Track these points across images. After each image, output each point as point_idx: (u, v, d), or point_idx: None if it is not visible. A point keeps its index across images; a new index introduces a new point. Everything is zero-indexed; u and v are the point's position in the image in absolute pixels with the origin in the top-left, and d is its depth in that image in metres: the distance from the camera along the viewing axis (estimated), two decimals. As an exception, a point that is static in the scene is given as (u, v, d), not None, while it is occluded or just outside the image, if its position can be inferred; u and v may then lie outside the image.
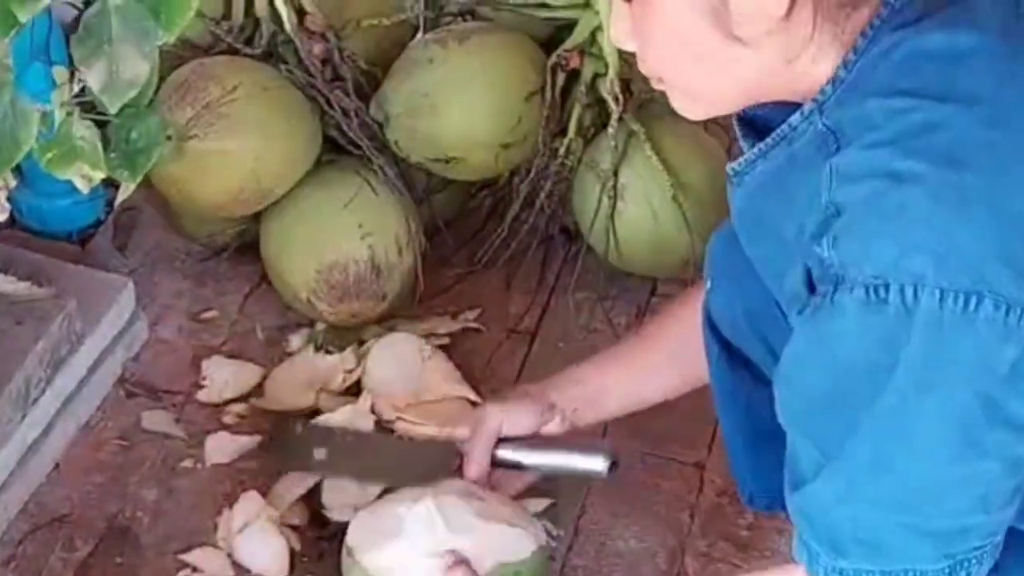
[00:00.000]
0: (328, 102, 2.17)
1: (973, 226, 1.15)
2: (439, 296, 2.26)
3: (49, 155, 1.57)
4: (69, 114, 1.58)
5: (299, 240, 2.14)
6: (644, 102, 2.20)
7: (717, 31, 1.22)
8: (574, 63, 2.20)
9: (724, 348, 1.70)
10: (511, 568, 1.66)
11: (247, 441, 2.05)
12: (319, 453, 1.91)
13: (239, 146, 2.09)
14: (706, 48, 1.24)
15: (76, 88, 1.60)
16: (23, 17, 1.39)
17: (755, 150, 1.31)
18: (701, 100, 1.33)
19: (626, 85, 2.18)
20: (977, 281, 1.14)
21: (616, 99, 2.16)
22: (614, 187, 2.15)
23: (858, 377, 1.20)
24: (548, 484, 1.89)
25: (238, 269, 2.29)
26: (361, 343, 2.15)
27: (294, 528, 1.94)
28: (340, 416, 2.03)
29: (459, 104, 2.17)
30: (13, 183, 1.69)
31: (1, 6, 1.40)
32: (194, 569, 1.90)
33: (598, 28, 2.17)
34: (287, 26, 2.17)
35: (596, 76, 2.20)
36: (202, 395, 2.11)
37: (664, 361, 1.78)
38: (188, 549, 1.93)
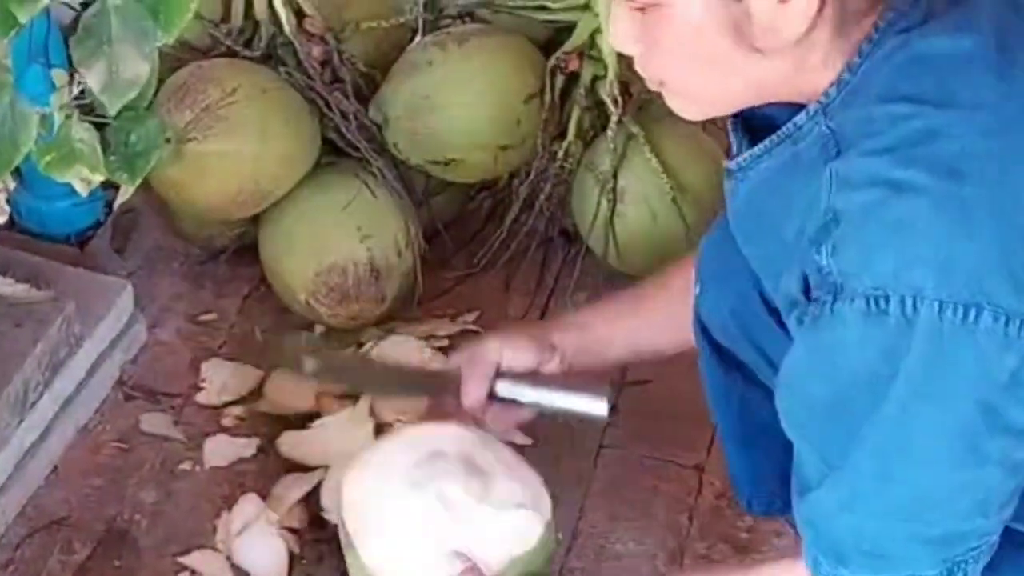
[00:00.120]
0: (327, 104, 2.17)
1: (973, 238, 1.15)
2: (438, 298, 2.25)
3: (48, 158, 1.57)
4: (68, 117, 1.58)
5: (298, 242, 2.14)
6: (643, 104, 2.20)
7: (737, 42, 1.21)
8: (573, 65, 2.21)
9: (715, 350, 1.70)
10: (521, 562, 1.62)
11: (246, 444, 2.05)
12: (310, 364, 1.88)
13: (238, 148, 2.08)
14: (721, 57, 1.24)
15: (75, 90, 1.60)
16: (23, 18, 1.39)
17: (760, 147, 1.31)
18: (703, 102, 1.33)
19: (625, 87, 2.18)
20: (976, 293, 1.14)
21: (615, 101, 2.16)
22: (613, 189, 2.15)
23: (859, 387, 1.21)
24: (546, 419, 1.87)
25: (237, 271, 2.29)
26: (360, 345, 2.15)
27: (293, 531, 1.94)
28: (339, 418, 2.03)
29: (458, 106, 2.17)
30: (12, 185, 1.68)
31: (1, 7, 1.39)
32: (193, 572, 1.90)
33: (597, 30, 2.18)
34: (286, 28, 2.17)
35: (595, 78, 2.20)
36: (201, 397, 2.11)
37: (664, 319, 1.75)
38: (187, 552, 1.92)
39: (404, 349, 2.11)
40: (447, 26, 2.31)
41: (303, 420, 2.06)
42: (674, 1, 1.21)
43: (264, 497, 1.96)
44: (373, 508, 1.63)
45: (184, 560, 1.91)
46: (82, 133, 1.59)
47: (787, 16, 1.18)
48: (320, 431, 2.03)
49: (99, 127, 1.61)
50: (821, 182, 1.21)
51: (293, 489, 1.97)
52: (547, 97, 2.19)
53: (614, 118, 2.16)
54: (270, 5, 2.18)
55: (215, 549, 1.92)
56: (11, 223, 2.18)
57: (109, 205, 2.25)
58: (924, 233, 1.15)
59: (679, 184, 2.14)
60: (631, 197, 2.15)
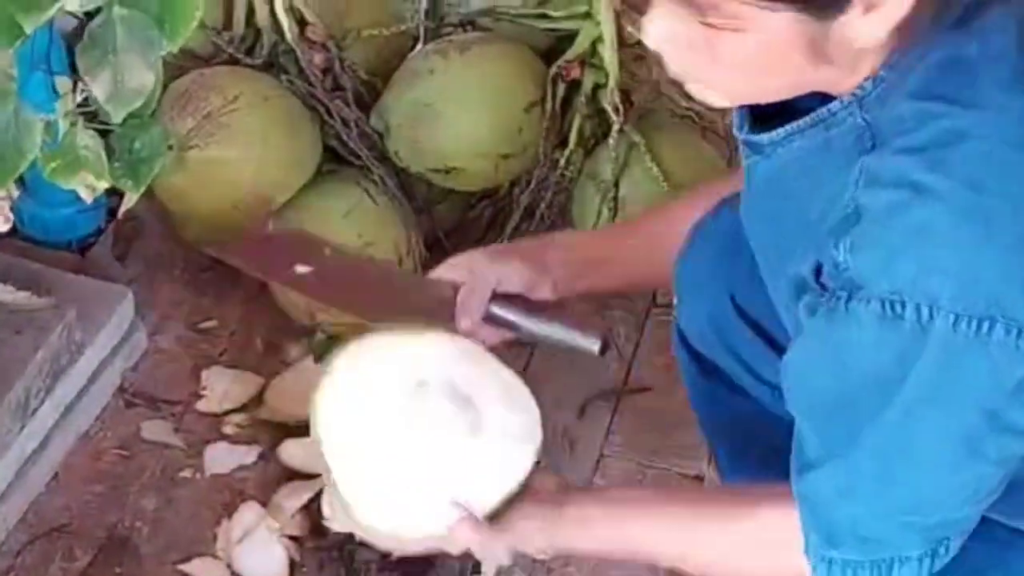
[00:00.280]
0: (328, 112, 2.18)
1: (994, 251, 1.15)
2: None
3: (53, 165, 1.57)
4: (73, 124, 1.58)
5: (299, 250, 2.14)
6: (645, 113, 2.21)
7: (806, 57, 1.20)
8: (574, 74, 2.21)
9: (695, 359, 1.71)
10: (512, 496, 1.50)
11: (246, 451, 2.05)
12: (301, 268, 1.70)
13: (240, 156, 2.09)
14: (780, 68, 1.23)
15: (79, 98, 1.60)
16: (28, 27, 1.39)
17: (793, 126, 1.29)
18: (736, 97, 1.31)
19: (626, 96, 2.18)
20: (992, 306, 1.15)
21: (616, 110, 2.16)
22: (614, 198, 2.16)
23: (867, 388, 1.21)
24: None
25: (238, 279, 2.28)
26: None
27: (294, 539, 1.94)
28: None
29: (459, 115, 2.17)
30: (16, 193, 1.68)
31: (5, 16, 1.40)
32: (193, 579, 1.90)
33: (599, 39, 2.18)
34: (288, 36, 2.17)
35: (597, 87, 2.21)
36: (201, 405, 2.11)
37: (661, 247, 1.69)
38: (187, 559, 1.92)
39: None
40: (448, 34, 2.31)
41: (304, 428, 2.03)
42: (756, 25, 1.17)
43: (264, 505, 1.96)
44: (357, 450, 1.50)
45: (184, 567, 1.91)
46: (87, 140, 1.59)
47: (865, 29, 1.17)
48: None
49: (103, 134, 1.61)
50: (850, 173, 1.21)
51: (293, 497, 1.97)
52: (548, 105, 2.19)
53: (615, 126, 2.16)
54: (272, 13, 2.18)
55: (215, 557, 1.92)
56: (13, 230, 2.18)
57: (111, 212, 2.25)
58: (945, 242, 1.15)
59: (680, 193, 2.14)
60: (632, 205, 2.15)
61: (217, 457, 2.04)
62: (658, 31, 1.24)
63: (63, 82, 1.62)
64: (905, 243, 1.16)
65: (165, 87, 1.99)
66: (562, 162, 2.22)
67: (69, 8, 1.44)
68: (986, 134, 1.17)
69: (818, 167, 1.27)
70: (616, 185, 2.16)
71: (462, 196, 2.32)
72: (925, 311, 1.15)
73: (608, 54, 2.17)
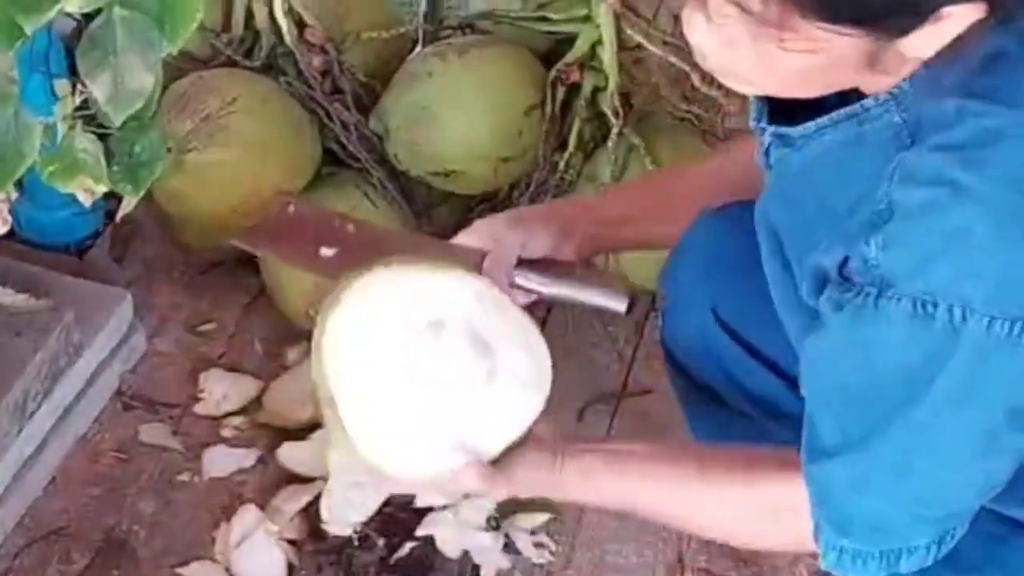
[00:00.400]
0: (327, 115, 2.18)
1: None
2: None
3: (51, 168, 1.57)
4: (72, 127, 1.58)
5: (298, 253, 2.13)
6: (644, 116, 2.21)
7: (861, 70, 1.20)
8: (574, 77, 2.21)
9: (686, 379, 1.71)
10: (515, 444, 1.47)
11: (245, 454, 2.05)
12: (326, 251, 1.66)
13: (238, 158, 2.09)
14: (831, 78, 1.23)
15: (78, 101, 1.60)
16: (28, 29, 1.39)
17: (826, 119, 1.28)
18: (769, 91, 1.30)
19: (626, 99, 2.18)
20: None
21: (616, 113, 2.16)
22: (614, 201, 2.15)
23: (893, 384, 1.22)
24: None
25: (236, 281, 2.29)
26: (359, 356, 2.15)
27: (292, 542, 1.94)
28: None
29: (459, 117, 2.17)
30: (15, 195, 1.68)
31: (5, 18, 1.39)
32: (191, 583, 1.90)
33: (598, 42, 2.18)
34: (287, 38, 2.17)
35: (596, 90, 2.21)
36: (200, 408, 2.11)
37: (678, 205, 1.68)
38: (185, 563, 1.92)
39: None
40: (447, 37, 2.31)
41: (302, 431, 2.06)
42: (825, 47, 1.17)
43: (263, 508, 1.96)
44: (366, 383, 1.43)
45: (182, 571, 1.91)
46: (86, 143, 1.58)
47: (926, 44, 1.16)
48: (320, 442, 2.03)
49: (102, 137, 1.61)
50: (885, 169, 1.20)
51: (292, 500, 1.97)
52: (548, 108, 2.19)
53: (615, 129, 2.16)
54: (271, 15, 2.18)
55: (214, 560, 1.92)
56: (11, 233, 2.18)
57: (109, 215, 2.25)
58: (981, 245, 1.15)
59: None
60: (631, 208, 2.15)
61: (215, 460, 2.04)
62: (720, 38, 1.21)
63: (62, 85, 1.62)
64: (941, 245, 1.16)
65: (164, 89, 1.99)
66: (562, 165, 2.21)
67: (68, 10, 1.44)
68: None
69: (848, 161, 1.26)
70: (616, 188, 2.16)
71: (462, 199, 2.32)
72: (958, 312, 1.16)
73: (608, 57, 2.17)
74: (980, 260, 1.15)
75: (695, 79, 2.18)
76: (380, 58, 2.28)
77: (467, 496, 1.93)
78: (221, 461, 2.04)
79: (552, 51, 2.26)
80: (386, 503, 1.95)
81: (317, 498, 1.96)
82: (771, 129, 1.34)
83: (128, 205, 1.68)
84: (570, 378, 2.08)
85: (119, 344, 2.12)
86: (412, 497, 1.97)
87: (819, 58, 1.18)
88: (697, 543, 1.96)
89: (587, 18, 2.19)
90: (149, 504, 1.99)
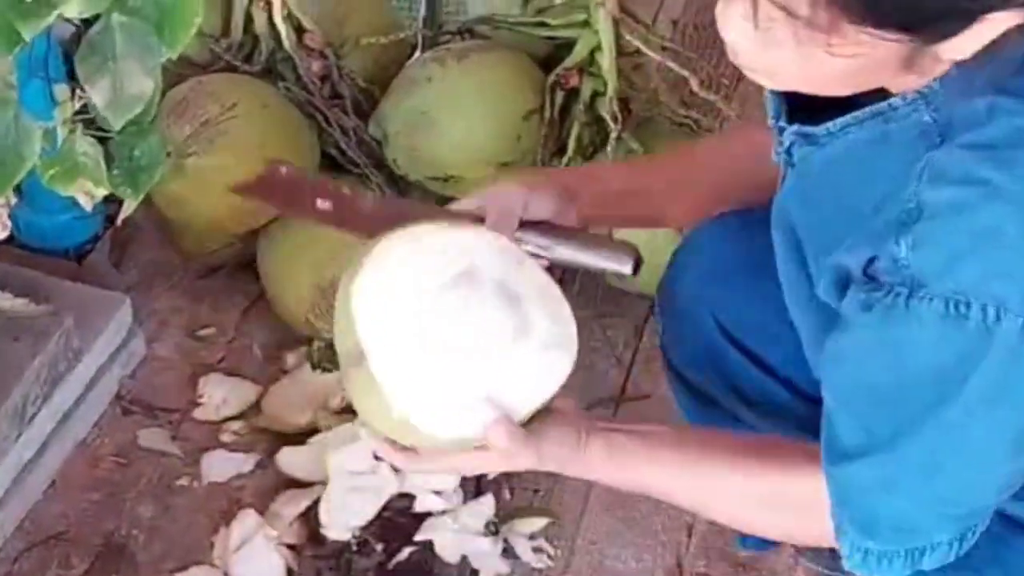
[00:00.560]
0: (327, 120, 2.18)
1: None
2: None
3: (52, 172, 1.57)
4: (72, 131, 1.58)
5: (297, 258, 2.14)
6: (642, 121, 2.21)
7: (895, 72, 1.20)
8: (573, 82, 2.21)
9: (687, 389, 1.70)
10: (544, 406, 1.42)
11: (244, 459, 2.05)
12: (323, 203, 1.65)
13: (237, 163, 2.08)
14: (864, 78, 1.22)
15: (77, 105, 1.60)
16: (27, 34, 1.39)
17: (850, 117, 1.27)
18: (801, 89, 1.27)
19: (625, 104, 2.19)
20: None
21: (615, 118, 2.16)
22: (613, 206, 2.15)
23: (924, 384, 1.21)
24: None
25: (235, 286, 2.29)
26: (358, 361, 2.15)
27: (291, 547, 1.94)
28: (338, 434, 2.03)
29: (458, 122, 2.17)
30: (14, 200, 1.68)
31: (4, 23, 1.39)
32: (191, 587, 1.90)
33: (597, 47, 2.18)
34: (286, 44, 2.17)
35: (595, 95, 2.21)
36: (199, 413, 2.11)
37: (680, 184, 1.65)
38: (184, 568, 1.92)
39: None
40: (447, 42, 2.31)
41: (302, 436, 2.06)
42: (868, 51, 1.16)
43: (262, 513, 1.96)
44: (396, 335, 1.37)
45: (182, 576, 1.91)
46: (85, 147, 1.58)
47: (963, 46, 1.15)
48: (319, 447, 2.03)
49: (102, 141, 1.61)
50: (913, 168, 1.20)
51: (291, 505, 1.97)
52: (547, 113, 2.19)
53: (613, 134, 2.16)
54: (270, 20, 2.19)
55: (213, 565, 1.92)
56: (10, 237, 2.18)
57: (108, 219, 2.25)
58: (1011, 245, 1.14)
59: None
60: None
61: (215, 465, 2.04)
62: (762, 39, 1.19)
63: (61, 89, 1.62)
64: (970, 244, 1.15)
65: (163, 94, 1.99)
66: (561, 170, 2.22)
67: (68, 15, 1.44)
68: None
69: (873, 159, 1.26)
70: (614, 193, 2.16)
71: (460, 204, 2.32)
72: (992, 312, 1.15)
73: (606, 62, 2.17)
74: (1011, 260, 1.15)
75: (693, 84, 2.18)
76: (379, 63, 2.28)
77: (485, 475, 1.92)
78: (220, 466, 2.04)
79: (551, 56, 2.26)
80: (385, 508, 1.96)
81: (316, 503, 1.96)
82: (793, 128, 1.33)
83: (128, 208, 1.68)
84: (568, 382, 2.07)
85: (118, 349, 2.12)
86: (411, 502, 1.97)
87: (860, 61, 1.17)
88: (696, 547, 1.97)
89: (586, 23, 2.19)
90: (148, 509, 1.99)
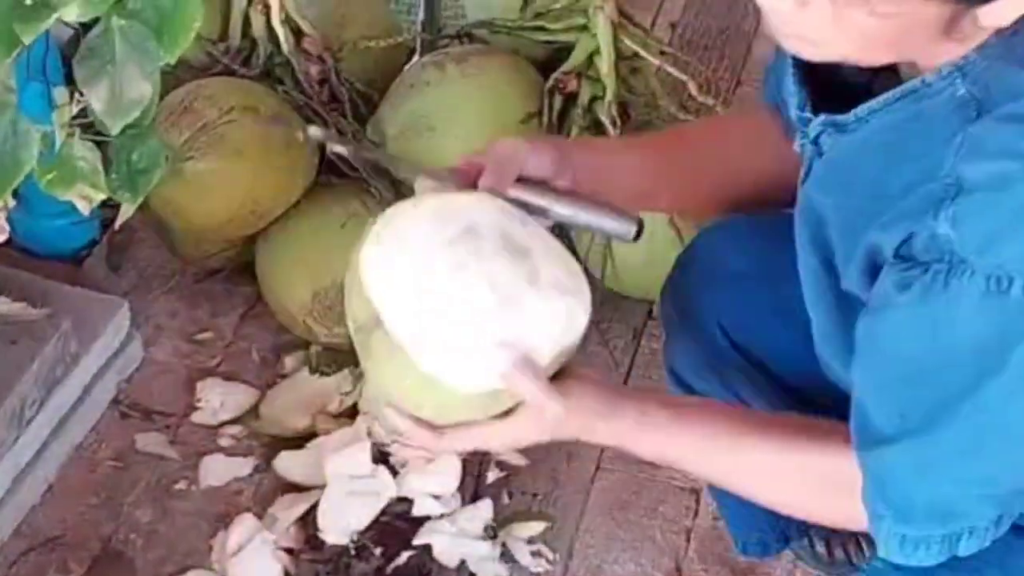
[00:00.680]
0: (325, 124, 2.17)
1: None
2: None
3: (50, 176, 1.56)
4: (70, 135, 1.57)
5: (295, 262, 2.14)
6: (641, 125, 2.21)
7: (935, 36, 1.18)
8: (571, 86, 2.21)
9: (684, 388, 1.69)
10: (566, 353, 1.38)
11: (242, 463, 2.05)
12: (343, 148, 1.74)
13: (235, 168, 2.08)
14: (903, 44, 1.20)
15: (75, 109, 1.60)
16: (27, 38, 1.39)
17: (879, 100, 1.26)
18: (838, 58, 1.26)
19: (623, 108, 2.18)
20: None
21: (613, 122, 2.16)
22: (611, 210, 2.15)
23: (963, 364, 1.19)
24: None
25: (233, 290, 2.29)
26: (356, 365, 2.15)
27: (289, 551, 1.93)
28: (336, 438, 2.03)
29: (456, 126, 2.16)
30: (12, 204, 1.68)
31: (3, 27, 1.39)
32: (188, 592, 1.90)
33: (596, 51, 2.18)
34: (284, 47, 2.17)
35: (593, 99, 2.21)
36: (197, 417, 2.11)
37: (670, 171, 1.59)
38: (182, 571, 1.92)
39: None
40: (445, 46, 2.31)
41: (300, 440, 2.06)
42: (910, 11, 1.15)
43: (260, 517, 1.96)
44: (409, 292, 1.35)
45: (179, 580, 1.91)
46: (83, 151, 1.58)
47: (1007, 11, 1.14)
48: (317, 451, 2.03)
49: (100, 145, 1.61)
50: (949, 144, 1.18)
51: (289, 509, 1.97)
52: (545, 117, 2.19)
53: (612, 138, 2.16)
54: (268, 24, 2.18)
55: (210, 569, 1.92)
56: (8, 241, 2.18)
57: (105, 224, 2.25)
58: None
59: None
60: (628, 217, 2.15)
61: (212, 469, 2.04)
62: (808, 7, 1.18)
63: (60, 93, 1.61)
64: (1012, 219, 1.14)
65: (161, 98, 1.99)
66: (559, 174, 2.21)
67: (66, 19, 1.43)
68: None
69: (905, 139, 1.24)
70: (613, 197, 2.16)
71: (458, 208, 2.31)
72: None
73: (605, 66, 2.17)
74: None
75: (692, 88, 2.18)
76: (378, 67, 2.28)
77: (483, 479, 1.91)
78: (218, 470, 2.04)
79: (549, 60, 2.26)
80: (383, 512, 1.96)
81: (314, 507, 1.96)
82: (820, 118, 1.31)
83: (126, 212, 1.68)
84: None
85: (116, 353, 2.12)
86: (409, 506, 1.97)
87: (901, 23, 1.16)
88: (695, 552, 1.96)
89: (584, 28, 2.19)
90: (146, 513, 1.99)
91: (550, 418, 1.33)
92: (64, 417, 2.03)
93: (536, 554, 1.96)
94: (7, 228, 1.72)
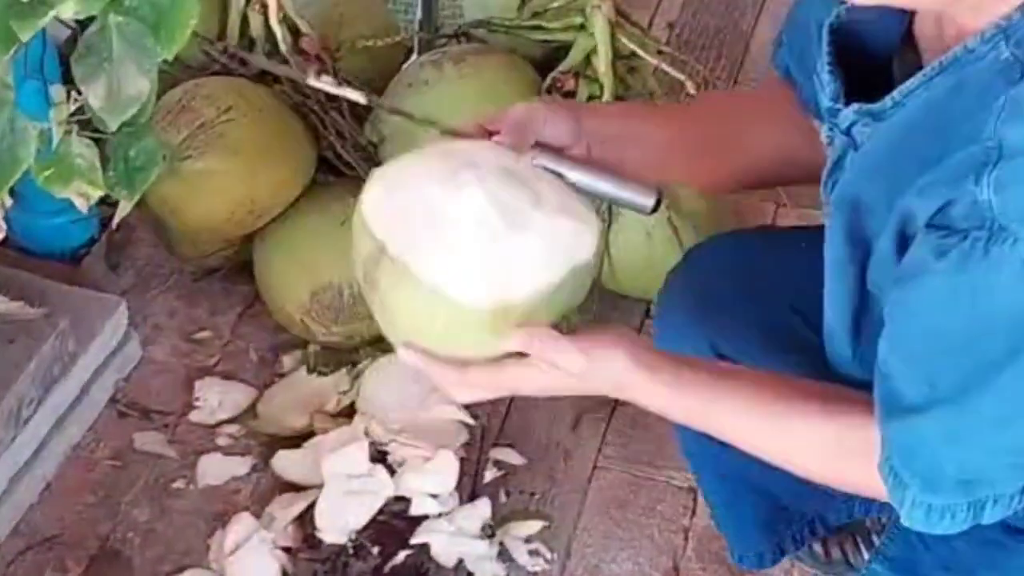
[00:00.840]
0: (322, 123, 2.17)
1: None
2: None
3: (47, 173, 1.56)
4: (67, 132, 1.58)
5: (293, 261, 2.14)
6: (639, 124, 2.20)
7: None
8: (569, 85, 2.21)
9: None
10: (579, 273, 1.32)
11: (240, 462, 2.05)
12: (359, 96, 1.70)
13: (233, 167, 2.08)
14: None
15: (73, 106, 1.60)
16: (24, 36, 1.39)
17: (917, 79, 1.23)
18: (888, 2, 1.23)
19: (621, 107, 2.18)
20: None
21: (611, 121, 2.16)
22: (608, 210, 2.15)
23: (999, 332, 1.16)
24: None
25: (231, 289, 2.29)
26: (354, 364, 2.15)
27: (287, 550, 1.93)
28: (333, 437, 2.03)
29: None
30: (9, 202, 1.68)
31: (1, 24, 1.39)
32: (186, 591, 1.90)
33: (593, 51, 2.18)
34: (282, 47, 2.17)
35: (591, 98, 2.20)
36: (195, 416, 2.11)
37: (676, 145, 1.55)
38: (180, 571, 1.92)
39: (399, 369, 2.10)
40: (443, 45, 2.32)
41: (297, 439, 2.06)
42: None
43: (258, 516, 1.96)
44: (410, 215, 1.31)
45: (177, 579, 1.91)
46: (81, 148, 1.58)
47: None
48: (314, 450, 2.03)
49: (98, 142, 1.61)
50: (992, 107, 1.14)
51: (287, 508, 1.97)
52: (543, 117, 2.19)
53: (610, 138, 2.16)
54: (266, 23, 2.18)
55: (208, 568, 1.92)
56: (5, 240, 2.18)
57: (103, 223, 2.25)
58: None
59: (673, 203, 2.14)
60: (626, 217, 2.15)
61: (210, 468, 2.04)
62: None
63: (57, 90, 1.62)
64: None
65: (158, 98, 1.99)
66: (557, 173, 2.21)
67: (64, 16, 1.44)
68: None
69: (946, 109, 1.21)
70: (611, 196, 2.15)
71: (456, 207, 2.31)
72: None
73: (602, 66, 2.17)
74: None
75: (690, 87, 2.18)
76: (375, 66, 2.28)
77: (481, 478, 1.91)
78: (216, 469, 2.04)
79: (547, 59, 2.26)
80: (380, 511, 1.96)
81: (312, 506, 1.96)
82: (853, 107, 1.29)
83: (124, 210, 1.68)
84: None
85: (114, 352, 2.12)
86: (407, 505, 1.97)
87: None
88: (692, 551, 1.96)
89: (582, 27, 2.19)
90: (144, 512, 1.99)
91: (576, 370, 1.29)
92: (62, 416, 2.03)
93: (534, 553, 1.96)
94: (4, 227, 1.72)
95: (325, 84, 1.55)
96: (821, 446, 1.32)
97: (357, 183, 2.15)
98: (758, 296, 1.56)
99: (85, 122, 1.59)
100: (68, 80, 1.58)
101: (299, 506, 1.97)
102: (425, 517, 1.96)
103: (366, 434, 2.03)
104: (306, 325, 2.14)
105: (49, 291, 2.07)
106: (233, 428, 2.09)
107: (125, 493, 2.01)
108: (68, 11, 1.42)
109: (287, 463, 2.03)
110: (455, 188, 1.29)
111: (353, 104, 2.21)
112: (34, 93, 1.74)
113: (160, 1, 1.45)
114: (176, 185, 2.06)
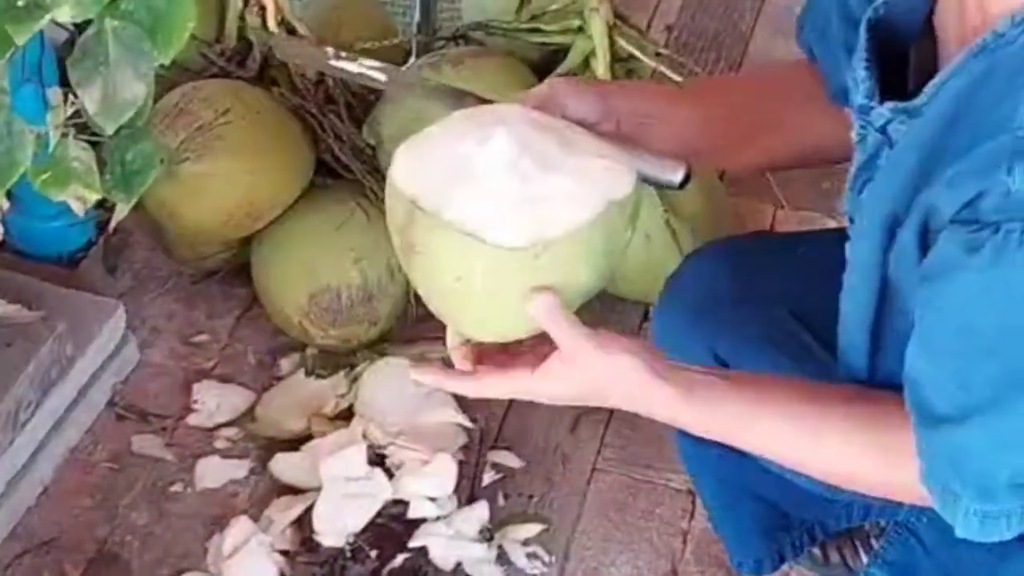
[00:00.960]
0: (320, 125, 2.17)
1: None
2: (431, 320, 2.23)
3: (44, 176, 1.56)
4: (64, 136, 1.57)
5: (291, 264, 2.13)
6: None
7: None
8: (567, 87, 2.20)
9: None
10: (616, 211, 1.28)
11: (238, 465, 2.04)
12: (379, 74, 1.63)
13: (231, 169, 2.08)
14: None
15: (70, 110, 1.60)
16: (20, 39, 1.39)
17: (945, 71, 1.21)
18: None
19: (619, 110, 2.18)
20: None
21: (609, 123, 2.16)
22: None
23: None
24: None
25: (229, 292, 2.28)
26: (352, 367, 2.15)
27: (285, 553, 1.93)
28: (332, 440, 2.03)
29: (452, 128, 2.16)
30: (6, 205, 1.68)
31: (-4, 28, 1.39)
32: (184, 594, 1.90)
33: (591, 53, 2.18)
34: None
35: (589, 101, 2.20)
36: (193, 419, 2.11)
37: (707, 121, 1.53)
38: (178, 574, 1.92)
39: (397, 371, 2.10)
40: (441, 47, 2.31)
41: (295, 442, 2.06)
42: None
43: (256, 519, 1.96)
44: (442, 169, 1.29)
45: (175, 582, 1.91)
46: (78, 152, 1.58)
47: None
48: (312, 453, 2.03)
49: (95, 146, 1.61)
50: (1021, 94, 1.12)
51: (285, 511, 1.97)
52: (541, 119, 2.19)
53: (608, 140, 2.15)
54: (264, 26, 2.18)
55: (206, 571, 1.92)
56: (2, 243, 2.18)
57: (101, 226, 2.25)
58: None
59: (672, 206, 2.14)
60: (624, 220, 2.15)
61: (208, 471, 2.04)
62: None
63: (54, 94, 1.62)
64: None
65: (156, 100, 1.99)
66: (555, 176, 2.21)
67: (60, 19, 1.44)
68: None
69: (976, 96, 1.18)
70: (609, 199, 2.15)
71: (454, 210, 2.31)
72: None
73: (601, 68, 2.16)
74: None
75: (688, 90, 2.18)
76: (374, 69, 2.27)
77: (479, 482, 1.91)
78: (214, 472, 2.03)
79: (545, 62, 2.25)
80: (379, 514, 1.96)
81: (310, 509, 1.96)
82: (888, 105, 1.26)
83: (121, 213, 1.68)
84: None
85: (111, 355, 2.12)
86: (405, 508, 1.97)
87: None
88: (691, 554, 1.96)
89: (580, 29, 2.19)
90: (142, 515, 1.99)
91: (591, 369, 1.28)
92: (60, 419, 2.03)
93: (532, 556, 1.96)
94: (1, 230, 1.72)
95: (345, 63, 1.53)
96: (867, 452, 1.29)
97: (355, 186, 2.17)
98: (758, 301, 1.56)
99: (82, 125, 1.58)
100: (65, 83, 1.58)
101: (297, 509, 1.97)
102: (423, 520, 1.96)
103: (364, 437, 2.02)
104: (304, 328, 2.13)
105: (46, 294, 2.07)
106: (231, 431, 2.09)
107: (123, 496, 2.00)
108: (64, 15, 1.42)
109: (285, 466, 2.03)
110: (485, 139, 1.28)
111: (350, 107, 2.21)
112: (31, 96, 1.75)
113: (157, 5, 1.45)
114: (174, 188, 2.06)
